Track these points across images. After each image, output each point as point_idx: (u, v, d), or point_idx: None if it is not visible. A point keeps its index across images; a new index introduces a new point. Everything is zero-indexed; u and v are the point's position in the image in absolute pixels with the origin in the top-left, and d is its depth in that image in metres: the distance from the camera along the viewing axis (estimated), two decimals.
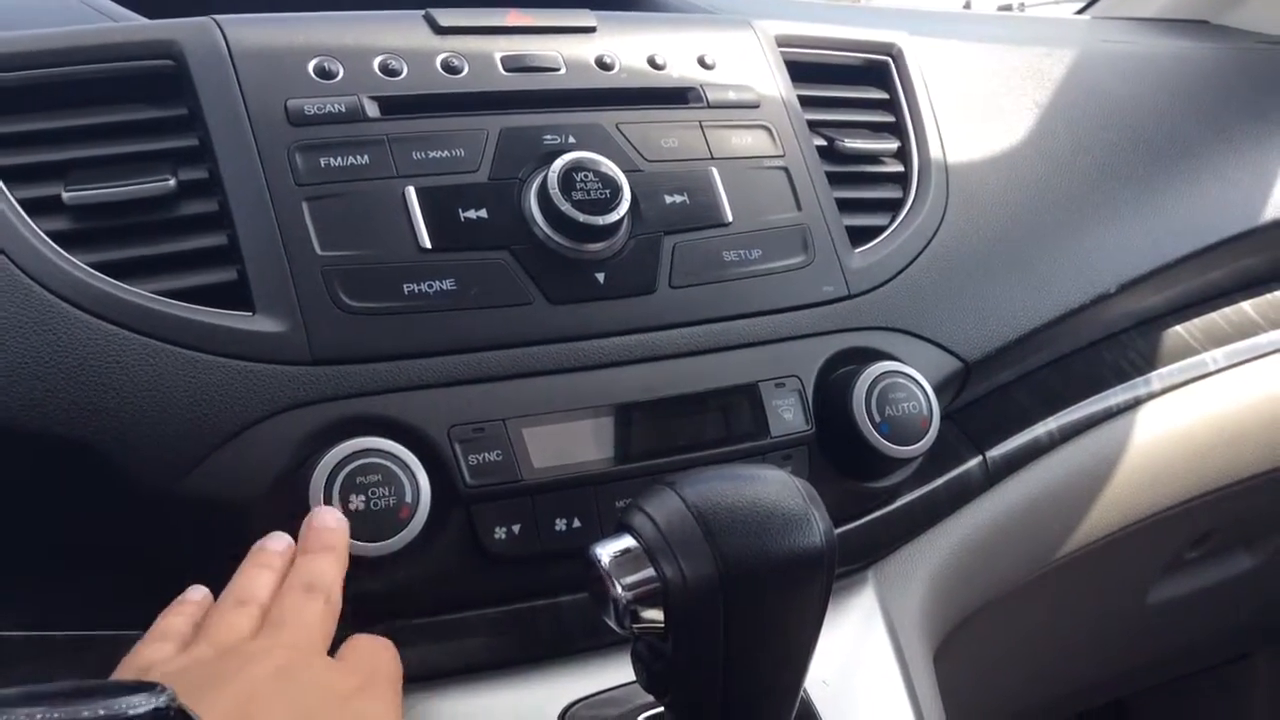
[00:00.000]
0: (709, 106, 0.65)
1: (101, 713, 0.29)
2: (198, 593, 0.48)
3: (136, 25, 0.63)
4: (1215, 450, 0.86)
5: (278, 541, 0.49)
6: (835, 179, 0.68)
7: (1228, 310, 0.89)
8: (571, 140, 0.60)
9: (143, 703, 0.30)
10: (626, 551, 0.44)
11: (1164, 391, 0.83)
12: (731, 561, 0.42)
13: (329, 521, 0.49)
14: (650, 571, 0.43)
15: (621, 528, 0.45)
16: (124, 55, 0.56)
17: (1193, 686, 1.30)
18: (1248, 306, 0.90)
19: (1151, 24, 1.10)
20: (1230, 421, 0.86)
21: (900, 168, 0.72)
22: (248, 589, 0.46)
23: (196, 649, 0.43)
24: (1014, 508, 0.75)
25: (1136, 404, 0.81)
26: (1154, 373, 0.83)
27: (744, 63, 0.69)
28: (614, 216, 0.57)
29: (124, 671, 0.43)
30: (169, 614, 0.47)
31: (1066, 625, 0.95)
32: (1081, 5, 1.25)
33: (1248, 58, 1.01)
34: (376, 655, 0.46)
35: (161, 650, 0.43)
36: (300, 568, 0.47)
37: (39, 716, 0.28)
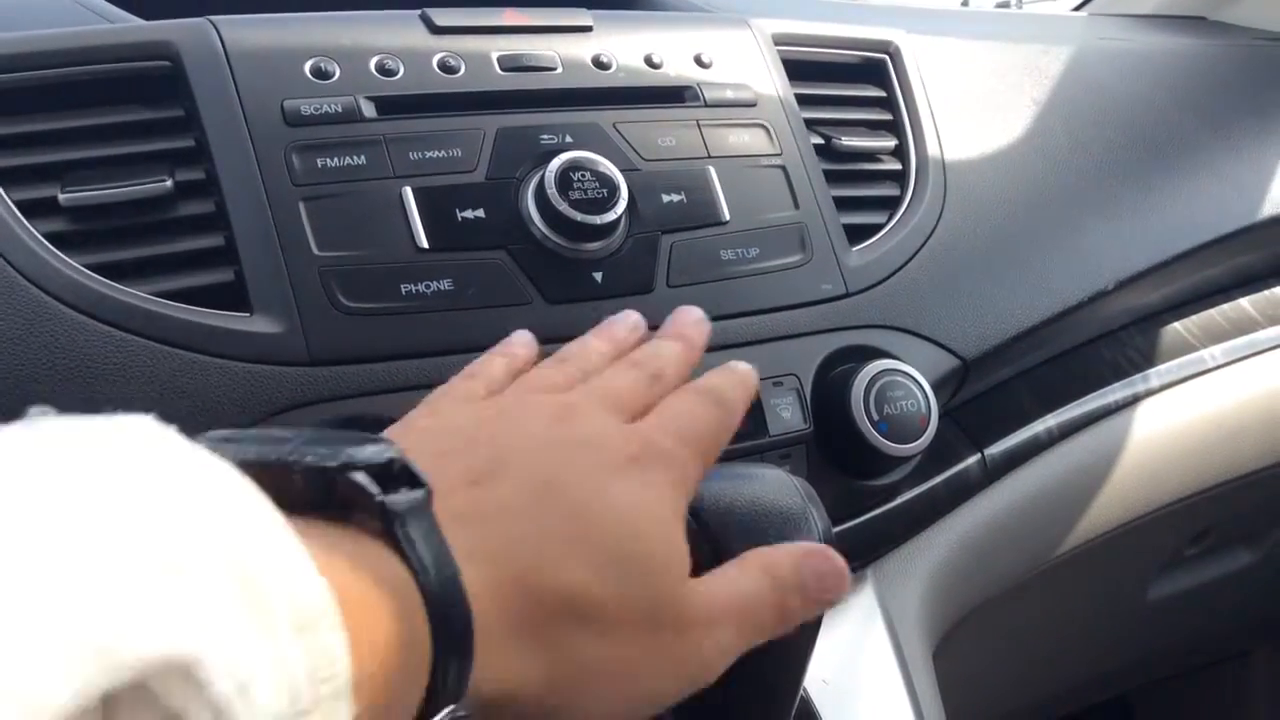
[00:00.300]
0: (706, 105, 0.65)
1: (313, 460, 0.29)
2: (523, 336, 0.45)
3: (132, 26, 0.63)
4: (1214, 446, 0.86)
5: (627, 317, 0.45)
6: (833, 177, 0.68)
7: (1226, 307, 0.89)
8: (568, 140, 0.60)
9: (373, 455, 0.29)
10: None
11: (1163, 388, 0.83)
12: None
13: (692, 314, 0.45)
14: None
15: None
16: (120, 56, 0.56)
17: (1193, 683, 1.30)
18: (1246, 303, 0.90)
19: (1149, 20, 1.10)
20: (1229, 418, 0.86)
21: (898, 165, 0.72)
22: (576, 353, 0.42)
23: (498, 397, 0.39)
24: (1013, 505, 0.75)
25: (1135, 401, 0.81)
26: (1152, 369, 0.83)
27: (741, 61, 0.69)
28: (611, 216, 0.57)
29: (417, 408, 0.40)
30: (492, 354, 0.44)
31: (1066, 622, 0.95)
32: (1078, 2, 1.25)
33: (1245, 54, 1.01)
34: (675, 423, 0.38)
35: (463, 388, 0.41)
36: (641, 348, 0.42)
37: (274, 456, 0.28)
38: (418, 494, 0.30)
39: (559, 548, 0.33)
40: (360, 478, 0.29)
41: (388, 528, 0.29)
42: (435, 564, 0.29)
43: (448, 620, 0.29)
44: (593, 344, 0.44)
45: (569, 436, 0.36)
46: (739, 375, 0.43)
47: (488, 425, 0.37)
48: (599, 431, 0.37)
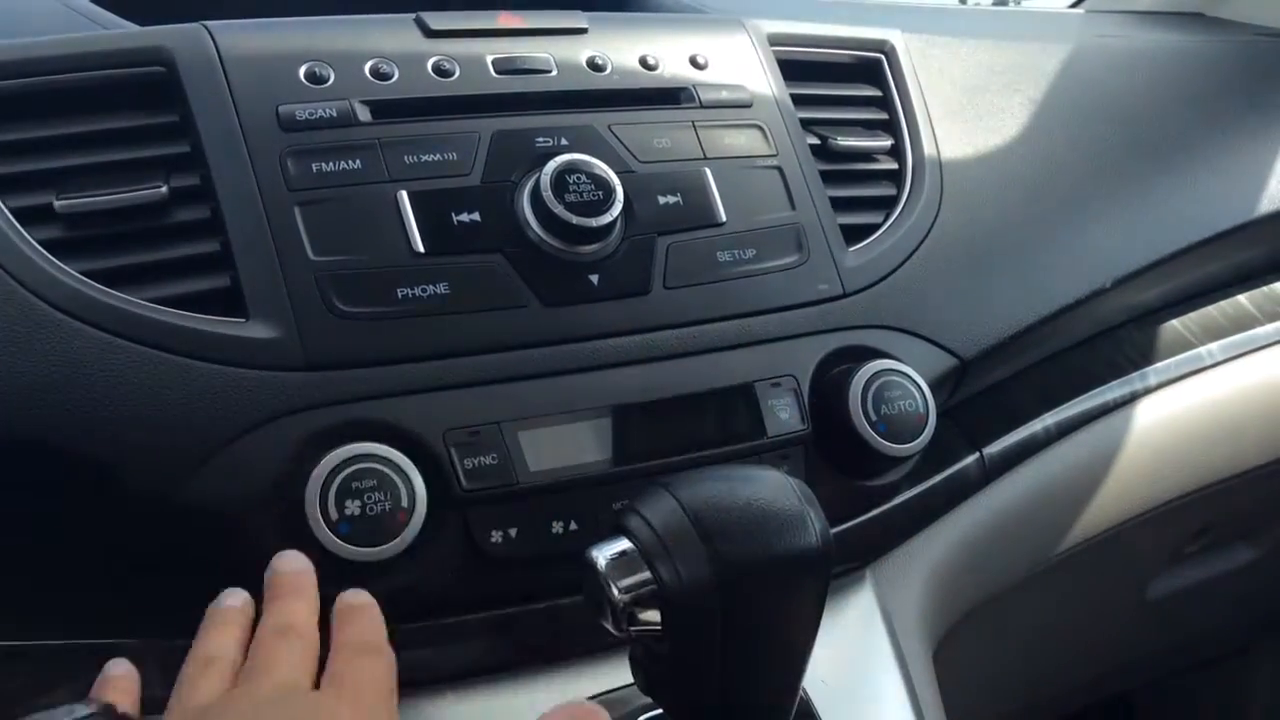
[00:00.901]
0: (701, 106, 0.65)
1: None
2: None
3: (126, 33, 0.63)
4: (1213, 443, 0.86)
5: (235, 598, 0.46)
6: (829, 177, 0.68)
7: (1224, 303, 0.89)
8: (564, 142, 0.60)
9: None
10: (622, 554, 0.44)
11: (1161, 386, 0.83)
12: (728, 563, 0.42)
13: (295, 564, 0.47)
14: (646, 574, 0.43)
15: (617, 530, 0.45)
16: (115, 63, 0.56)
17: (1193, 680, 1.30)
18: (1244, 299, 0.90)
19: (1146, 17, 1.10)
20: (1228, 414, 0.86)
21: (894, 165, 0.72)
22: (210, 647, 0.43)
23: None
24: (1011, 504, 0.75)
25: (1133, 398, 0.81)
26: (1150, 367, 0.83)
27: (736, 62, 0.69)
28: (607, 218, 0.57)
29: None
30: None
31: (1066, 621, 0.95)
32: None
33: (1242, 50, 1.01)
34: (366, 673, 0.43)
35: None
36: (270, 614, 0.45)
37: None
38: None
39: None
40: None
41: None
42: None
43: None
44: (223, 633, 0.44)
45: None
46: (367, 613, 0.46)
47: None
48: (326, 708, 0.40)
